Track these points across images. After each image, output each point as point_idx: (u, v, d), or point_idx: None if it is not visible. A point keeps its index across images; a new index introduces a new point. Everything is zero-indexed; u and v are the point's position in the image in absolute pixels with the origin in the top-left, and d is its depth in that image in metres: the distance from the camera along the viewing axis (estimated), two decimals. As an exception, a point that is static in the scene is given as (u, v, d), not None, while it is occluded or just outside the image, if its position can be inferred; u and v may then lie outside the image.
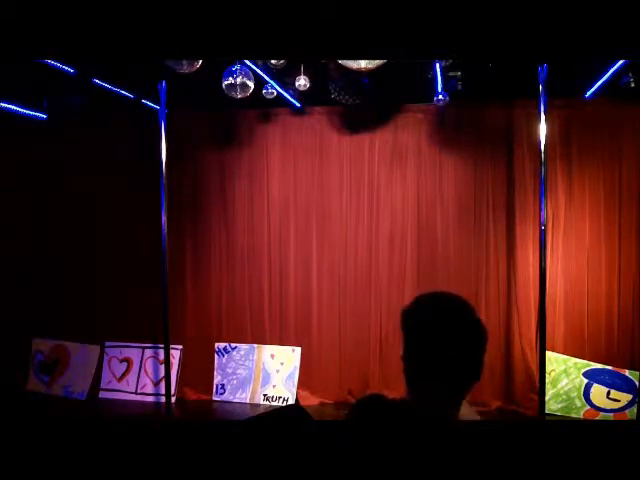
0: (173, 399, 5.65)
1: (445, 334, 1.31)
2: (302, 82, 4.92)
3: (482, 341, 1.34)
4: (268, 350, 5.94)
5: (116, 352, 6.15)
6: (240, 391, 5.93)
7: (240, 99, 4.66)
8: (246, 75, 4.54)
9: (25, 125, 5.93)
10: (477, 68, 5.22)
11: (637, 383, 5.23)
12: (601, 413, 5.26)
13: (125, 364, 6.12)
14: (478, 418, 1.55)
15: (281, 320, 6.00)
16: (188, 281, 6.05)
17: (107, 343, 6.15)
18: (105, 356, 6.14)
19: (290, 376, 5.83)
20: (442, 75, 5.01)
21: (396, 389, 5.13)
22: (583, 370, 5.37)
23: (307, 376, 5.84)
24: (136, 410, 5.74)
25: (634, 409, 5.20)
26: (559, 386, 5.39)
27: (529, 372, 5.47)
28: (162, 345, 5.62)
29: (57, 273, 6.13)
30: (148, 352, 6.07)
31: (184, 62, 4.17)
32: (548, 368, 5.15)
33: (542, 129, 4.82)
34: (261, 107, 5.73)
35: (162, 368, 5.81)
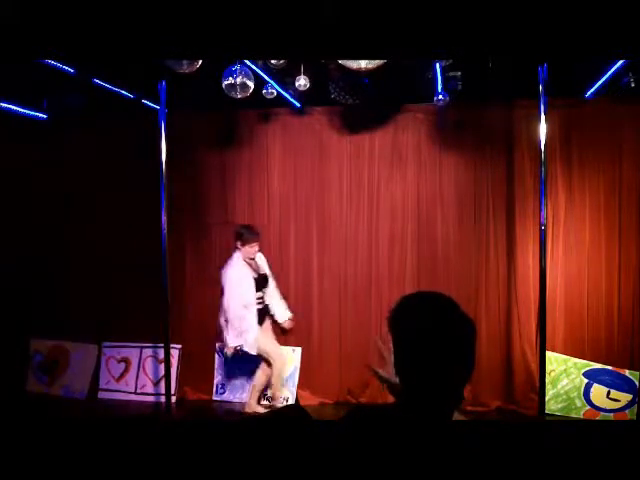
0: (173, 399, 5.64)
1: (435, 335, 1.31)
2: (302, 82, 4.91)
3: (472, 337, 1.33)
4: (268, 350, 5.93)
5: (114, 352, 6.14)
6: (240, 391, 5.92)
7: (240, 99, 4.66)
8: (246, 75, 4.54)
9: (25, 125, 5.93)
10: (477, 68, 5.22)
11: (637, 383, 5.23)
12: (601, 413, 5.26)
13: (123, 364, 6.11)
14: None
15: (281, 320, 6.00)
16: (188, 281, 6.05)
17: (105, 343, 6.14)
18: (103, 356, 6.13)
19: (290, 376, 5.83)
20: (442, 75, 5.00)
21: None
22: (583, 370, 5.37)
23: (307, 376, 5.84)
24: (136, 410, 5.73)
25: (634, 409, 5.20)
26: (559, 386, 5.39)
27: (529, 372, 5.47)
28: (160, 344, 5.62)
29: (56, 273, 6.13)
30: (146, 352, 6.06)
31: (184, 62, 4.16)
32: (548, 368, 5.15)
33: (542, 129, 4.82)
34: (261, 107, 5.72)
35: (161, 368, 5.81)
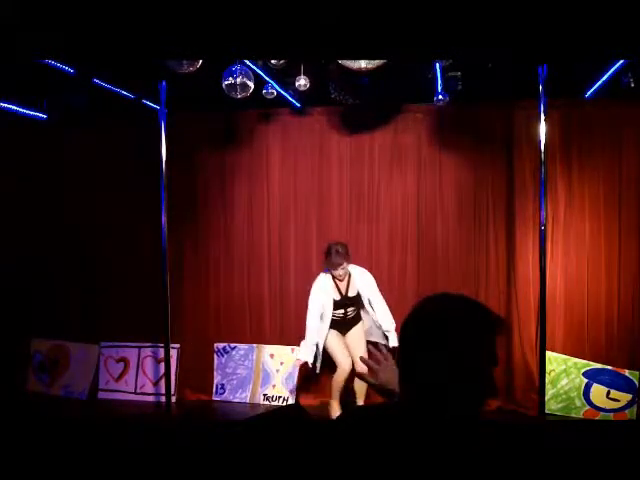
0: (173, 399, 5.64)
1: (432, 337, 1.30)
2: (302, 82, 4.91)
3: (472, 341, 1.32)
4: (267, 350, 5.94)
5: (112, 352, 6.14)
6: (240, 391, 5.93)
7: (240, 99, 4.66)
8: (246, 75, 4.54)
9: (25, 125, 5.93)
10: (477, 68, 5.22)
11: (637, 383, 5.23)
12: (601, 413, 5.26)
13: (122, 364, 6.10)
14: None
15: (281, 320, 6.00)
16: (187, 281, 6.05)
17: (103, 343, 6.14)
18: (101, 357, 6.13)
19: (290, 376, 5.83)
20: (442, 75, 5.00)
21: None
22: (583, 370, 5.37)
23: (307, 376, 5.84)
24: (136, 410, 5.73)
25: (634, 409, 5.20)
26: (559, 386, 5.39)
27: (529, 372, 5.47)
28: (158, 344, 5.62)
29: (56, 273, 6.13)
30: (145, 352, 6.06)
31: (184, 62, 4.16)
32: (548, 368, 5.15)
33: (542, 129, 4.82)
34: (261, 107, 5.72)
35: (160, 367, 5.82)
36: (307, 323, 5.02)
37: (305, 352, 5.03)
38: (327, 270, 5.02)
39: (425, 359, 1.30)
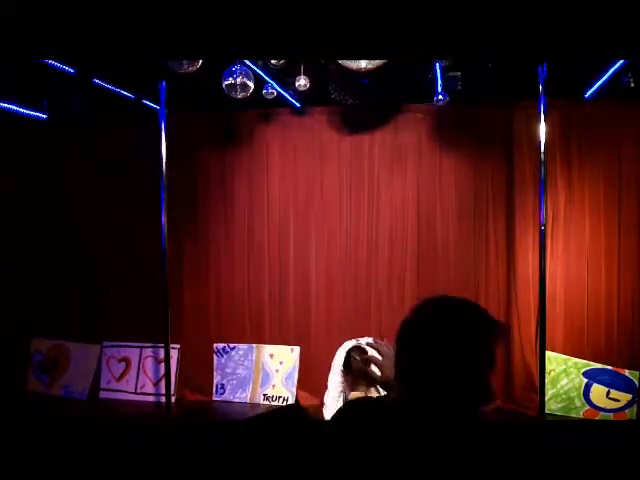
0: (173, 399, 5.64)
1: (427, 336, 1.30)
2: (302, 82, 4.92)
3: (465, 339, 1.32)
4: (267, 350, 5.94)
5: (114, 352, 6.14)
6: (240, 391, 5.93)
7: (240, 99, 4.66)
8: (246, 75, 4.54)
9: (25, 125, 5.93)
10: (477, 68, 5.22)
11: (637, 383, 5.23)
12: (601, 413, 5.26)
13: (123, 364, 6.11)
14: None
15: (281, 320, 6.00)
16: (187, 281, 6.05)
17: (105, 343, 6.14)
18: (103, 356, 6.13)
19: (289, 376, 5.83)
20: (442, 75, 5.01)
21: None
22: (583, 370, 5.37)
23: (307, 376, 5.84)
24: (136, 410, 5.73)
25: (634, 409, 5.20)
26: (559, 386, 5.39)
27: (529, 372, 5.47)
28: (160, 344, 5.62)
29: (56, 273, 6.13)
30: (146, 352, 6.06)
31: (184, 62, 4.17)
32: (548, 368, 5.15)
33: (542, 129, 4.82)
34: (261, 107, 5.72)
35: (160, 367, 5.82)
36: (327, 394, 4.84)
37: (332, 409, 4.83)
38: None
39: (423, 360, 1.30)
